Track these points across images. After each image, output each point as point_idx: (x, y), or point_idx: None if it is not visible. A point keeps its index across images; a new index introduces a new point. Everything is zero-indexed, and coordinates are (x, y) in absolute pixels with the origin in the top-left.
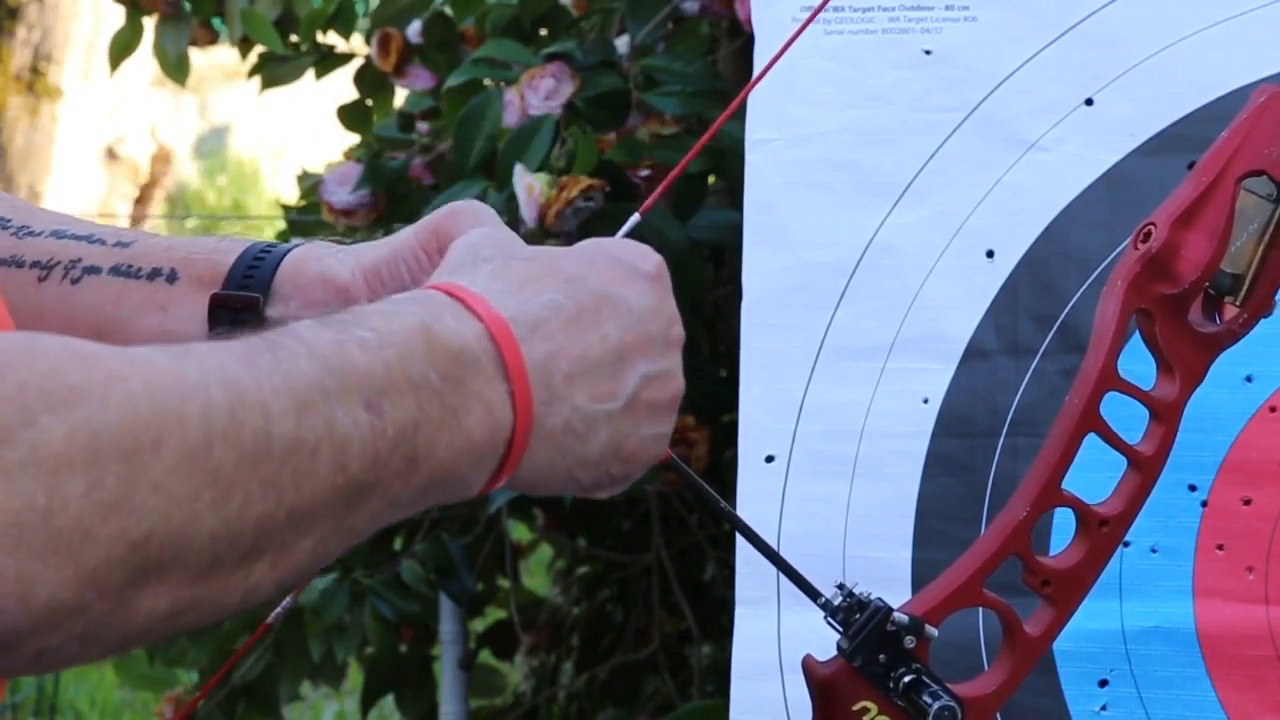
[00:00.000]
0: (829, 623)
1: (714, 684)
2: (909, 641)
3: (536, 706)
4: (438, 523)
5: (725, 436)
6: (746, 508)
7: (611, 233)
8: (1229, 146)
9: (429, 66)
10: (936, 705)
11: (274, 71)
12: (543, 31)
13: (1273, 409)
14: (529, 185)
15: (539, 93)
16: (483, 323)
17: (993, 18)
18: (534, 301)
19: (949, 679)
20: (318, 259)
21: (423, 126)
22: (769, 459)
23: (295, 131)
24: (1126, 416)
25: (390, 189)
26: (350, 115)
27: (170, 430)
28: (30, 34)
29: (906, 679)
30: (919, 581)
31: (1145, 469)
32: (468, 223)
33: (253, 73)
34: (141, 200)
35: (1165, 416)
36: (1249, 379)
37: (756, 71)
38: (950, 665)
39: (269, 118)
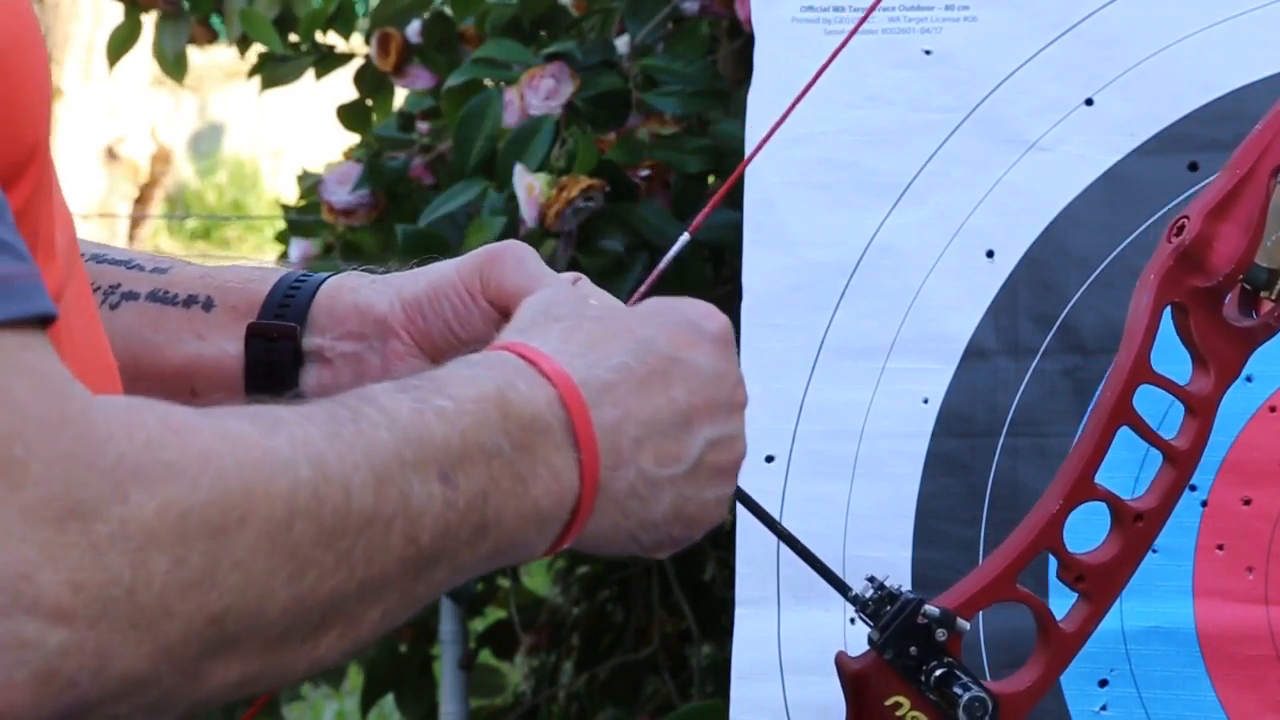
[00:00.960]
0: (860, 616)
1: (714, 684)
2: (940, 635)
3: (536, 706)
4: None
5: None
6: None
7: (612, 232)
8: (1262, 140)
9: (429, 66)
10: (967, 696)
11: (274, 71)
12: (543, 32)
13: (1273, 409)
14: (529, 185)
15: (539, 93)
16: (555, 388)
17: (993, 18)
18: (604, 365)
19: None
20: (354, 289)
21: (423, 126)
22: (769, 459)
23: (295, 131)
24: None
25: (390, 189)
26: (350, 115)
27: (257, 508)
28: None
29: (938, 672)
30: (919, 581)
31: (1180, 463)
32: (512, 265)
33: (252, 72)
34: (141, 200)
35: (1200, 411)
36: (1249, 379)
37: (757, 73)
38: None
39: (269, 117)
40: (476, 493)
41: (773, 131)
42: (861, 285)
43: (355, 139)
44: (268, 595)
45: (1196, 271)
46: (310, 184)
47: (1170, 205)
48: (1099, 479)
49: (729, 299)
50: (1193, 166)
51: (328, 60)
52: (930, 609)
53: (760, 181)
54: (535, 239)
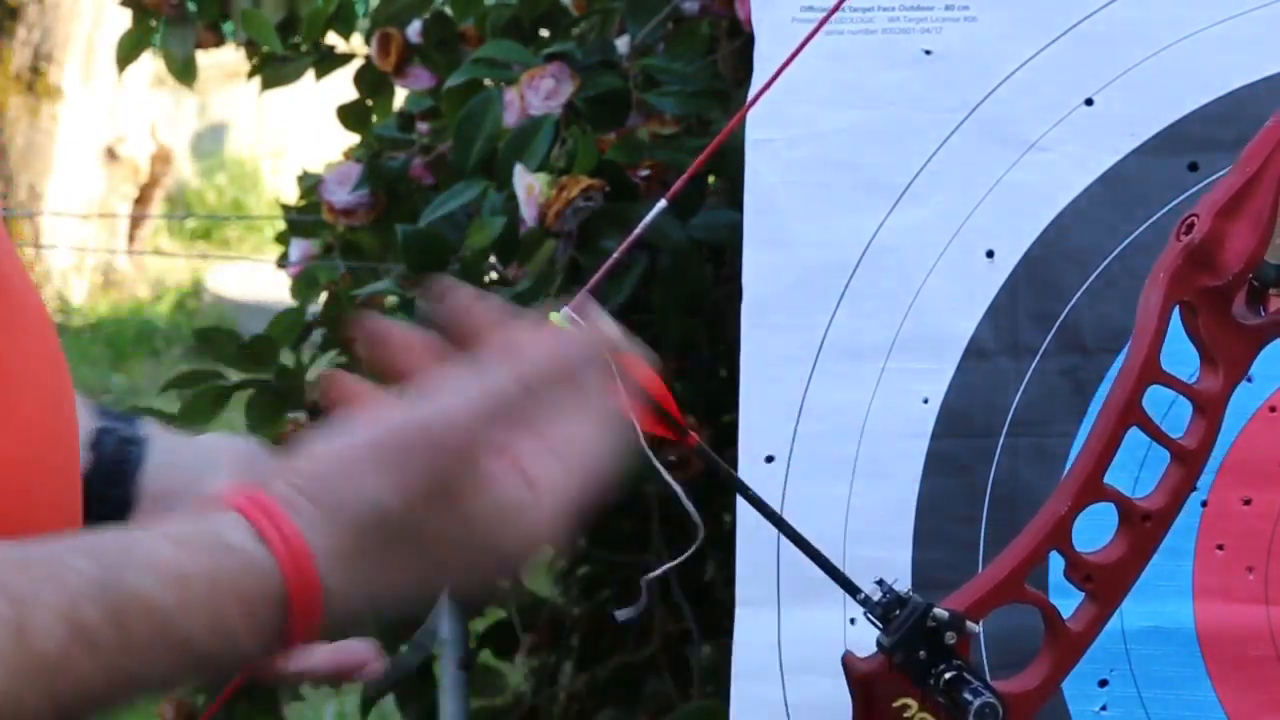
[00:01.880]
0: (868, 618)
1: (714, 684)
2: (950, 637)
3: (536, 706)
4: None
5: (725, 436)
6: (747, 508)
7: (612, 232)
8: (1272, 137)
9: (429, 66)
10: (978, 702)
11: (274, 72)
12: (543, 31)
13: (1273, 409)
14: (529, 185)
15: (539, 93)
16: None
17: (993, 18)
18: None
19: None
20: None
21: (423, 126)
22: (769, 459)
23: (295, 131)
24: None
25: (390, 189)
26: (350, 115)
27: None
28: (30, 34)
29: (947, 675)
30: (919, 582)
31: (1189, 462)
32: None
33: (253, 73)
34: (141, 200)
35: (1209, 410)
36: (1249, 379)
37: (757, 72)
38: None
39: (269, 118)
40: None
41: (770, 82)
42: (861, 285)
43: (355, 139)
44: None
45: (1206, 270)
46: (310, 184)
47: (1170, 205)
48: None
49: (729, 299)
50: (1193, 166)
51: (328, 60)
52: (940, 612)
53: (760, 181)
54: (535, 239)
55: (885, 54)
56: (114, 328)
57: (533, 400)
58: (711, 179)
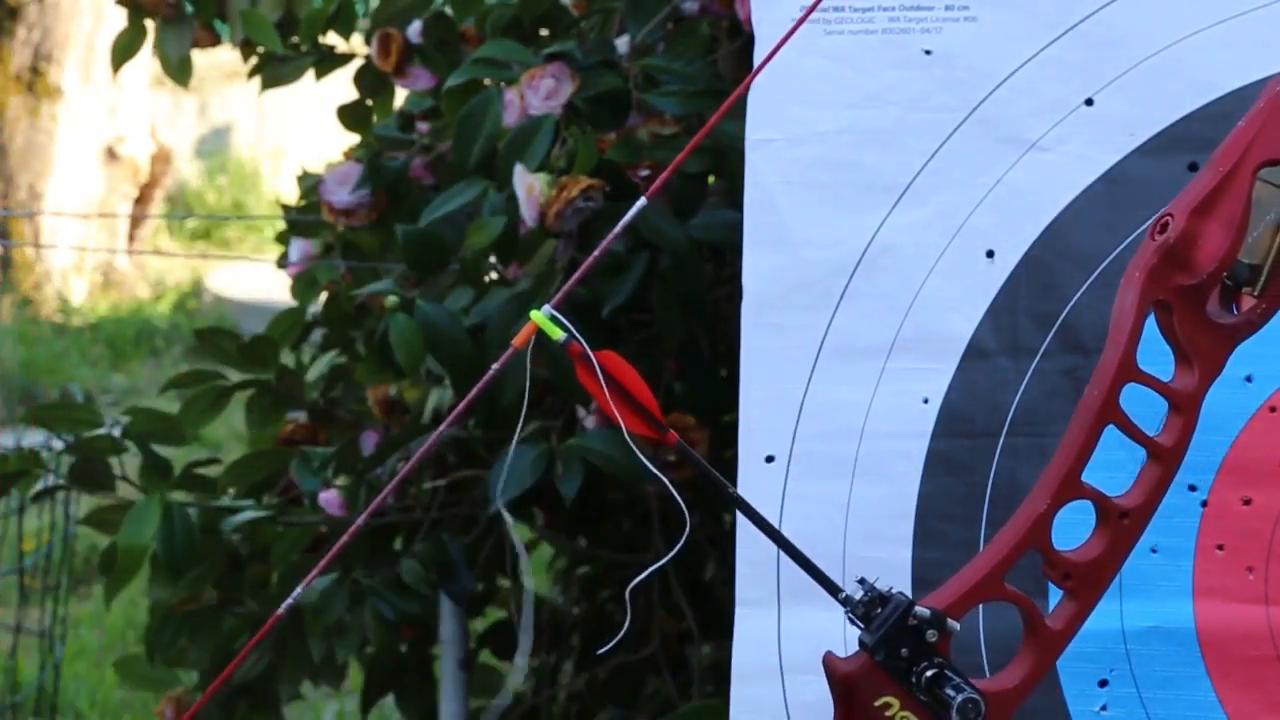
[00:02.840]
0: (849, 618)
1: (714, 684)
2: (931, 635)
3: (537, 706)
4: (438, 523)
5: (725, 436)
6: None
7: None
8: (1245, 136)
9: (429, 66)
10: (960, 698)
11: (274, 72)
12: (543, 31)
13: (1273, 409)
14: (529, 185)
15: (539, 93)
16: None
17: (993, 18)
18: None
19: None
20: None
21: (423, 126)
22: (769, 459)
23: (295, 131)
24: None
25: (390, 189)
26: (350, 115)
27: None
28: (30, 34)
29: (929, 673)
30: (919, 581)
31: (1165, 460)
32: None
33: (253, 73)
34: (141, 200)
35: (1184, 408)
36: (1249, 379)
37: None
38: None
39: (269, 118)
40: None
41: (759, 70)
42: (861, 285)
43: (355, 139)
44: None
45: (1181, 269)
46: (310, 184)
47: None
48: (1089, 478)
49: (729, 299)
50: (1193, 167)
51: (328, 60)
52: (921, 610)
53: (760, 181)
54: (535, 239)
55: (885, 54)
56: (114, 328)
57: None
58: (711, 179)
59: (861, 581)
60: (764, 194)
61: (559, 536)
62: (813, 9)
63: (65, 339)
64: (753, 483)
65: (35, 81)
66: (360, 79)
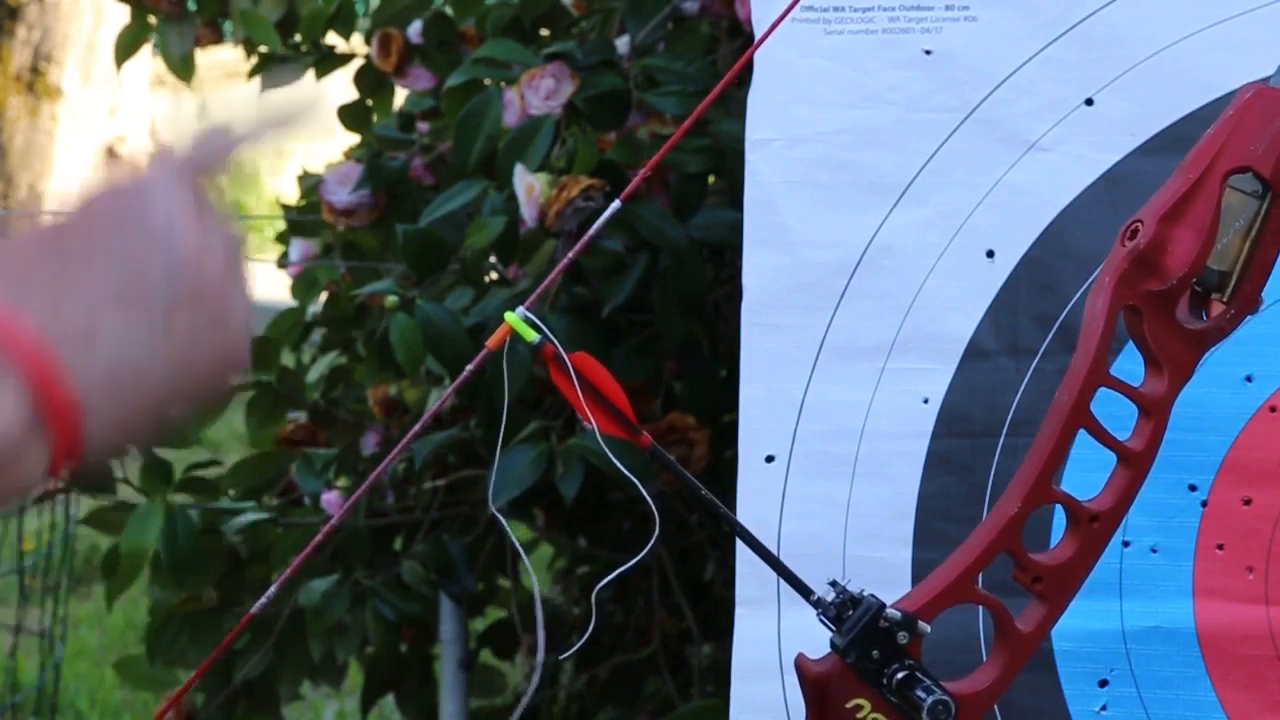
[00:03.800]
0: (821, 620)
1: (714, 684)
2: (902, 637)
3: (537, 706)
4: (438, 523)
5: (725, 436)
6: (746, 508)
7: (612, 232)
8: (1215, 143)
9: (429, 66)
10: (930, 700)
11: (274, 72)
12: (543, 31)
13: (1273, 409)
14: (529, 185)
15: (539, 93)
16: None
17: (993, 18)
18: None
19: (947, 678)
20: None
21: (423, 126)
22: (769, 459)
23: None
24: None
25: (390, 189)
26: (350, 115)
27: None
28: (30, 34)
29: (900, 675)
30: (919, 581)
31: (1135, 464)
32: None
33: (253, 73)
34: None
35: (1154, 412)
36: (1249, 379)
37: (758, 72)
38: (950, 664)
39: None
40: None
41: (748, 54)
42: (861, 285)
43: (355, 139)
44: None
45: (1151, 275)
46: (310, 184)
47: None
48: (1089, 478)
49: (729, 299)
50: None
51: (328, 60)
52: (892, 613)
53: (760, 181)
54: (535, 239)
55: (885, 54)
56: None
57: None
58: (711, 179)
59: (833, 584)
60: (764, 194)
61: (559, 536)
62: (795, 3)
63: None
64: (753, 483)
65: (35, 81)
66: (360, 79)
